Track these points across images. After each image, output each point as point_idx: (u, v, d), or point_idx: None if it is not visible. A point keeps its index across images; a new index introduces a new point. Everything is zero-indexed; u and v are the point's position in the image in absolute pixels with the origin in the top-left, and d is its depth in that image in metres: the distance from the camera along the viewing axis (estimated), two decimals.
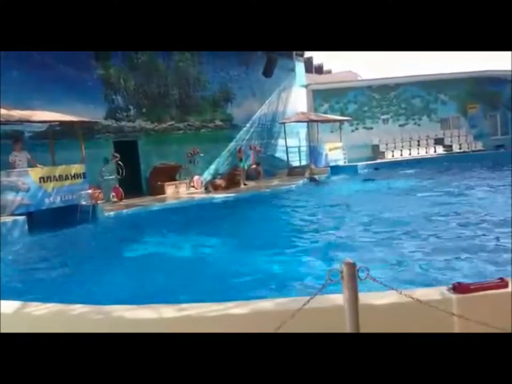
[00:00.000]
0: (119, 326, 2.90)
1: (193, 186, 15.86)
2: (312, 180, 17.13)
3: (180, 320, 2.82)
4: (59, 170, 10.55)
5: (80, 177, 10.82)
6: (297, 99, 22.39)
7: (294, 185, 15.65)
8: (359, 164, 21.45)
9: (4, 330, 2.82)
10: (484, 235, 6.82)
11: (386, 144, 23.91)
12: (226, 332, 2.46)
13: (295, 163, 20.58)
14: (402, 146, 24.00)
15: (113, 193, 13.23)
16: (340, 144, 21.30)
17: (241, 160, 17.45)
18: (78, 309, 3.09)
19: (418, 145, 24.14)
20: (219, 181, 15.89)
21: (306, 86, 23.61)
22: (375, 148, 23.94)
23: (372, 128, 24.56)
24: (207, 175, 17.35)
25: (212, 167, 17.80)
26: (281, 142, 20.31)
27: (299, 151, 21.38)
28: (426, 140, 24.33)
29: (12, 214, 9.31)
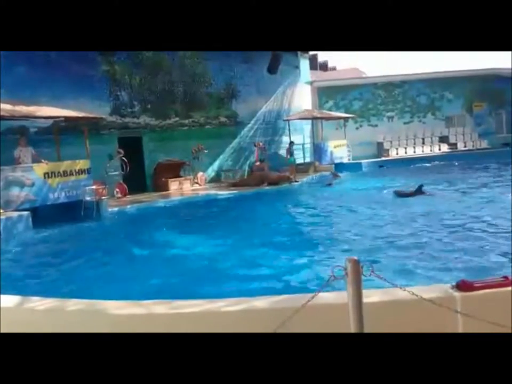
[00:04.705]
0: (116, 322, 2.92)
1: (197, 183, 15.87)
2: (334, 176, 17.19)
3: (182, 316, 2.83)
4: (64, 166, 10.57)
5: (85, 173, 10.84)
6: (301, 96, 22.33)
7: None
8: (363, 161, 21.41)
9: (3, 324, 2.84)
10: None
11: (391, 142, 23.85)
12: (226, 329, 2.47)
13: (299, 160, 20.55)
14: (406, 144, 23.94)
15: (117, 189, 13.26)
16: (344, 142, 21.25)
17: (291, 154, 17.49)
18: (75, 304, 3.11)
19: (423, 143, 24.06)
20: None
21: (311, 83, 23.53)
22: (380, 145, 23.88)
23: (376, 125, 24.47)
24: (211, 172, 17.37)
25: (216, 164, 17.80)
26: (285, 139, 20.26)
27: (303, 148, 21.33)
28: (431, 137, 24.25)
29: (17, 210, 9.34)
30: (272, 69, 19.51)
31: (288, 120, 19.75)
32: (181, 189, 15.11)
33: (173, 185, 14.99)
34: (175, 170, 15.59)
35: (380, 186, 13.65)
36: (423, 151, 23.52)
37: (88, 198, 10.74)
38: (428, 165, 20.38)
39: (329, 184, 15.27)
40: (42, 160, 10.43)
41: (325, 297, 2.65)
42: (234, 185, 15.30)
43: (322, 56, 30.46)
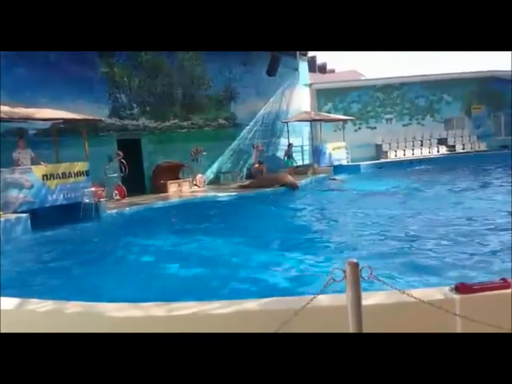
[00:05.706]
0: (114, 324, 2.91)
1: (196, 185, 15.87)
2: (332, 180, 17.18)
3: (182, 319, 2.83)
4: (62, 168, 10.55)
5: (83, 175, 10.82)
6: (300, 98, 22.34)
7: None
8: (362, 163, 21.44)
9: (3, 326, 2.83)
10: None
11: (390, 144, 23.88)
12: (225, 330, 2.46)
13: (298, 162, 20.55)
14: (405, 146, 23.97)
15: (116, 191, 13.24)
16: (343, 144, 21.28)
17: (289, 157, 17.36)
18: (74, 306, 3.10)
19: (422, 145, 24.08)
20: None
21: (309, 85, 23.56)
22: (378, 147, 23.90)
23: (375, 127, 24.50)
24: (209, 174, 17.36)
25: (215, 166, 17.80)
26: (284, 141, 20.28)
27: (302, 150, 21.33)
28: (430, 140, 24.28)
29: (15, 212, 9.32)
30: (271, 71, 19.51)
31: (287, 122, 19.77)
32: (179, 191, 15.09)
33: (172, 187, 14.97)
34: (174, 172, 15.58)
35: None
36: (421, 153, 23.55)
37: (87, 200, 10.73)
38: (426, 167, 20.42)
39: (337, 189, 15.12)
40: (41, 162, 10.41)
41: (324, 299, 2.64)
42: (243, 187, 15.24)
43: (321, 58, 30.56)
